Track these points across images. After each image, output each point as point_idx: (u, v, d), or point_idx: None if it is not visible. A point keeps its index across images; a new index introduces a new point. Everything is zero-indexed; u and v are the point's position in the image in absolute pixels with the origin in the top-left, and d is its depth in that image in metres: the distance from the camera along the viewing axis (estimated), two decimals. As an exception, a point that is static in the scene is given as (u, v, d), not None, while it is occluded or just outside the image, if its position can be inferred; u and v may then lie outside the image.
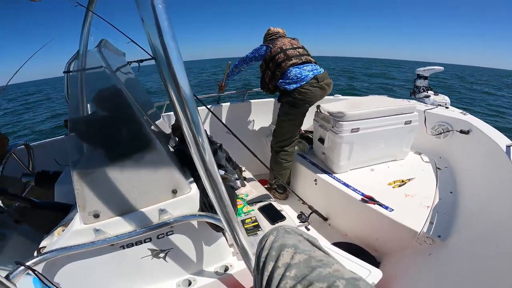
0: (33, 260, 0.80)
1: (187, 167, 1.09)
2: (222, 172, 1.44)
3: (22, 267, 0.76)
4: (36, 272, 0.79)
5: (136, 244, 0.96)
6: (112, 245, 0.91)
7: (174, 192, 0.94)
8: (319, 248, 0.54)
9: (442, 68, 2.86)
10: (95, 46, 1.12)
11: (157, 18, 0.48)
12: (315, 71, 2.00)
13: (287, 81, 1.98)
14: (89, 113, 0.93)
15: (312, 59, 2.10)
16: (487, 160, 1.70)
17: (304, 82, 1.93)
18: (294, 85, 1.94)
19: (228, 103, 2.70)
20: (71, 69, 1.54)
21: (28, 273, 0.79)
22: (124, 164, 0.86)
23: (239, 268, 1.13)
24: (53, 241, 0.91)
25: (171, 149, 1.21)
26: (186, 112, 0.56)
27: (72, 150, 0.81)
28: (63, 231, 0.94)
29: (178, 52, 0.52)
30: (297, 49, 2.10)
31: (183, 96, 0.54)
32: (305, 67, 2.01)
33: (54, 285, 0.84)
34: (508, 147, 1.52)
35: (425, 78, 2.79)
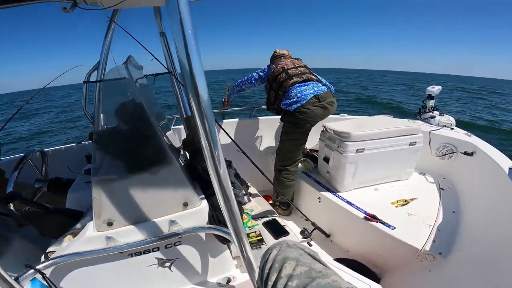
0: (44, 264, 0.82)
1: (197, 181, 1.14)
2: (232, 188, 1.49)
3: (32, 270, 0.78)
4: (45, 276, 0.81)
5: (144, 253, 0.99)
6: (121, 252, 0.94)
7: (185, 205, 0.98)
8: (319, 261, 0.58)
9: (440, 87, 2.88)
10: (123, 63, 1.19)
11: (184, 32, 0.53)
12: (316, 90, 2.02)
13: (289, 101, 2.01)
14: (113, 126, 0.99)
15: (313, 77, 2.13)
16: (490, 181, 1.72)
17: (305, 101, 1.95)
18: (295, 105, 1.97)
19: (236, 119, 2.77)
20: (90, 80, 1.63)
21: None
22: (141, 176, 0.91)
23: (241, 280, 1.14)
24: (63, 246, 0.94)
25: (182, 163, 1.26)
26: (206, 126, 0.60)
27: (94, 160, 0.86)
28: (73, 237, 0.98)
29: (201, 65, 0.56)
30: (299, 68, 2.14)
31: (204, 110, 0.58)
32: (305, 86, 2.04)
33: None
34: (510, 169, 1.55)
35: (432, 98, 2.81)
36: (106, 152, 0.89)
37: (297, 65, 2.17)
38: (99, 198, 0.86)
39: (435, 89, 2.81)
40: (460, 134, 2.32)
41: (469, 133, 2.33)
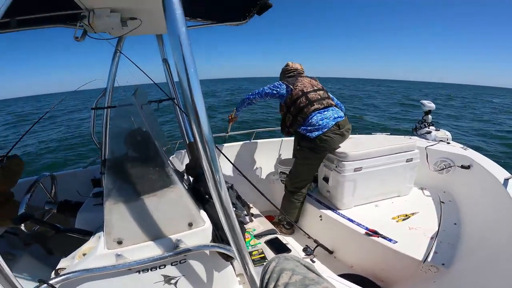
0: (56, 279, 0.87)
1: (200, 203, 1.20)
2: (233, 209, 1.55)
3: (45, 285, 0.83)
4: None
5: (151, 270, 1.03)
6: (130, 269, 0.99)
7: (190, 225, 1.04)
8: (313, 271, 0.65)
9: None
10: (132, 94, 1.29)
11: (185, 62, 0.60)
12: (336, 117, 2.01)
13: (309, 128, 1.98)
14: (122, 153, 1.07)
15: (333, 103, 2.11)
16: (487, 192, 1.77)
17: (326, 129, 1.93)
18: (316, 133, 1.94)
19: (236, 143, 2.84)
20: (98, 106, 1.73)
21: None
22: (149, 199, 0.98)
23: None
24: (74, 263, 0.99)
25: (186, 187, 1.34)
26: (207, 151, 0.66)
27: (107, 184, 0.94)
28: (84, 254, 1.03)
29: (202, 97, 0.63)
30: (318, 92, 2.08)
31: (205, 137, 0.65)
32: (326, 113, 2.01)
33: None
34: (506, 180, 1.59)
35: (429, 113, 2.84)
36: (116, 177, 0.96)
37: (316, 88, 2.10)
38: (111, 218, 0.93)
39: (431, 104, 2.86)
40: (457, 148, 2.37)
41: (465, 147, 2.38)
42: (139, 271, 1.01)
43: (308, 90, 2.06)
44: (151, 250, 0.98)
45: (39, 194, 1.73)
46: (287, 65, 2.29)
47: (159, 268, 1.04)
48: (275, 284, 0.61)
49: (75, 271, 0.91)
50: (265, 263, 1.38)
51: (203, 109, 0.64)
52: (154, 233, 1.00)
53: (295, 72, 2.23)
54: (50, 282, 0.85)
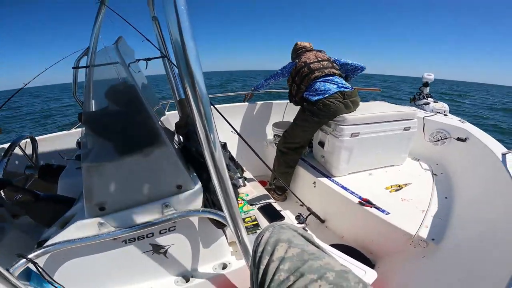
0: (36, 253, 0.80)
1: (191, 164, 1.12)
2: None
3: (24, 260, 0.76)
4: (37, 266, 0.79)
5: (138, 239, 0.98)
6: (114, 239, 0.93)
7: (179, 187, 0.96)
8: (313, 243, 0.58)
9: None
10: (113, 43, 1.14)
11: (178, 18, 0.51)
12: (341, 86, 2.01)
13: (311, 93, 2.03)
14: (103, 107, 0.96)
15: (336, 72, 2.12)
16: (483, 167, 1.74)
17: (328, 95, 1.95)
18: (317, 97, 1.97)
19: (231, 104, 2.74)
20: (80, 65, 1.57)
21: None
22: (132, 158, 0.88)
23: (237, 266, 1.14)
24: (55, 234, 0.93)
25: (176, 146, 1.24)
26: (200, 109, 0.58)
27: (84, 142, 0.83)
28: (66, 224, 0.96)
29: (196, 50, 0.54)
30: (321, 62, 2.13)
31: (198, 93, 0.56)
32: (328, 80, 2.04)
33: (52, 279, 0.84)
34: (503, 155, 1.56)
35: (428, 85, 2.84)
36: (96, 134, 0.86)
37: (319, 59, 2.16)
38: (90, 182, 0.84)
39: (431, 76, 2.82)
40: (454, 121, 2.33)
41: (462, 120, 2.34)
42: (125, 241, 0.95)
43: (311, 61, 2.14)
44: (136, 216, 0.91)
45: (22, 159, 1.63)
46: (296, 44, 2.41)
47: (147, 237, 0.98)
48: (269, 259, 0.53)
49: (54, 244, 0.84)
50: (259, 231, 1.36)
51: (197, 61, 0.55)
52: (140, 197, 0.92)
53: (303, 50, 2.32)
54: (29, 256, 0.78)
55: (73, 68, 1.80)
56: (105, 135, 0.88)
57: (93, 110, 0.94)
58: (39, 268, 0.80)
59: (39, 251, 0.81)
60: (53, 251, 0.84)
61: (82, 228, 0.87)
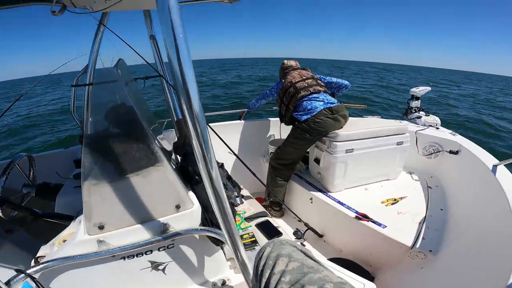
0: (35, 269, 0.81)
1: (189, 184, 1.14)
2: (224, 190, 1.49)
3: (23, 275, 0.77)
4: (36, 280, 0.79)
5: (137, 256, 0.98)
6: (113, 256, 0.93)
7: (178, 207, 0.98)
8: (311, 258, 0.61)
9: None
10: (114, 65, 1.18)
11: (175, 37, 0.53)
12: (327, 102, 2.06)
13: (300, 113, 2.07)
14: (103, 129, 0.98)
15: (321, 89, 2.18)
16: (475, 178, 1.78)
17: (315, 113, 1.99)
18: (305, 116, 2.02)
19: (226, 122, 2.77)
20: (79, 83, 1.60)
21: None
22: (132, 179, 0.90)
23: (236, 282, 1.14)
24: (53, 251, 0.93)
25: (174, 166, 1.26)
26: (197, 129, 0.60)
27: (85, 163, 0.85)
28: (64, 241, 0.96)
29: (192, 69, 0.56)
30: (306, 80, 2.19)
31: (195, 113, 0.58)
32: (314, 98, 2.08)
33: None
34: (494, 166, 1.60)
35: (417, 98, 2.88)
36: (96, 155, 0.88)
37: (304, 77, 2.22)
38: (90, 201, 0.85)
39: (418, 89, 2.87)
40: (445, 134, 2.38)
41: (453, 132, 2.40)
42: (124, 258, 0.95)
43: (296, 80, 2.19)
44: (135, 235, 0.92)
45: (17, 178, 1.63)
46: (283, 63, 2.49)
47: (146, 254, 0.99)
48: (271, 272, 0.56)
49: (54, 260, 0.85)
50: (257, 247, 1.36)
51: (194, 81, 0.57)
52: (139, 217, 0.93)
53: (290, 69, 2.38)
54: (28, 271, 0.79)
55: (72, 86, 1.84)
56: (105, 156, 0.90)
57: (93, 131, 0.96)
58: (37, 284, 0.80)
59: (37, 267, 0.82)
60: (52, 267, 0.84)
61: (81, 245, 0.88)
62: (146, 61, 1.44)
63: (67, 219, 1.17)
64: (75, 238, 0.89)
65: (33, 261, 0.94)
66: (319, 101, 2.06)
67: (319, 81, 2.27)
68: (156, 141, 1.02)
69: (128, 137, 0.97)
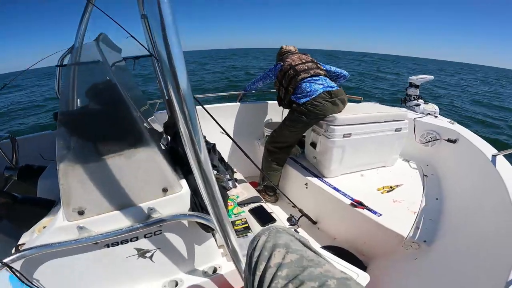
0: (11, 258, 0.76)
1: (179, 165, 1.07)
2: (215, 172, 1.43)
3: None
4: (13, 270, 0.75)
5: (122, 243, 0.93)
6: (96, 243, 0.88)
7: (165, 190, 0.91)
8: (310, 248, 0.55)
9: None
10: (93, 40, 1.09)
11: (161, 14, 0.48)
12: (326, 85, 2.02)
13: (298, 95, 2.03)
14: (81, 106, 0.90)
15: (321, 72, 2.14)
16: (473, 168, 1.75)
17: (315, 96, 1.95)
18: (304, 99, 1.97)
19: (222, 104, 2.69)
20: (64, 64, 1.50)
21: (6, 270, 0.75)
22: (114, 160, 0.83)
23: (228, 269, 1.11)
24: (33, 238, 0.87)
25: (163, 147, 1.19)
26: (184, 110, 0.55)
27: (60, 143, 0.78)
28: (44, 227, 0.90)
29: (180, 48, 0.51)
30: (306, 64, 2.15)
31: (182, 93, 0.53)
32: (314, 80, 2.04)
33: (33, 283, 0.80)
34: (494, 156, 1.57)
35: (417, 86, 2.85)
36: (73, 133, 0.81)
37: (304, 61, 2.17)
38: (67, 185, 0.79)
39: (417, 78, 2.84)
40: (444, 122, 2.35)
41: (452, 121, 2.36)
42: (108, 245, 0.90)
43: (296, 63, 2.15)
44: (119, 221, 0.86)
45: (2, 160, 1.55)
46: (281, 48, 2.41)
47: (131, 241, 0.93)
48: (266, 265, 0.50)
49: (31, 248, 0.79)
50: (250, 234, 1.32)
51: (181, 58, 0.52)
52: (122, 201, 0.87)
53: (288, 53, 2.32)
54: (5, 261, 0.74)
55: (57, 66, 1.74)
56: (84, 135, 0.83)
57: (70, 109, 0.88)
58: (16, 273, 0.76)
59: (15, 256, 0.77)
60: (29, 255, 0.79)
61: (60, 232, 0.83)
62: (135, 39, 1.34)
63: (49, 203, 1.11)
64: (53, 225, 0.83)
65: (13, 249, 0.89)
66: (319, 84, 2.01)
67: (319, 65, 2.22)
68: (143, 120, 0.94)
69: (109, 115, 0.89)
